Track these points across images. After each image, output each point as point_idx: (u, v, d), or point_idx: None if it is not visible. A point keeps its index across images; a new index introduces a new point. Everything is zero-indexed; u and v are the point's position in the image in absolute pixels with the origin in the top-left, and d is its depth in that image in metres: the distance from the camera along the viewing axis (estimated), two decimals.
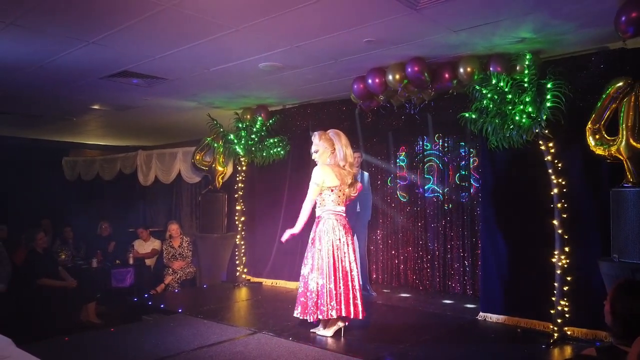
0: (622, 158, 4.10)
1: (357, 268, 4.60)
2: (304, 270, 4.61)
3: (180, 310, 5.53)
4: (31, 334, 4.72)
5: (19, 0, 3.57)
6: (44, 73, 5.35)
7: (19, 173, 9.83)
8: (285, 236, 4.68)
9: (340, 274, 4.44)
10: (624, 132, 4.07)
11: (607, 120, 4.20)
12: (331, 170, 4.54)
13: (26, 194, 9.53)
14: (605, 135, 4.18)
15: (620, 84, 4.08)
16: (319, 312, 4.42)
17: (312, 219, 4.70)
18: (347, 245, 4.54)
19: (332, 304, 4.37)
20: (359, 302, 4.47)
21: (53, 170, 10.78)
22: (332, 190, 4.55)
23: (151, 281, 7.61)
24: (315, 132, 4.72)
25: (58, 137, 10.32)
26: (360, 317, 4.49)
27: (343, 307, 4.38)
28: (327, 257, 4.46)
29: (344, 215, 4.65)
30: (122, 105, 7.09)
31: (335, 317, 4.41)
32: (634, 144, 4.04)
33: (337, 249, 4.48)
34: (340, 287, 4.41)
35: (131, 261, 7.62)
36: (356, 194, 4.76)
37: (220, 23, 4.02)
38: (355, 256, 4.62)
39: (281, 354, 4.07)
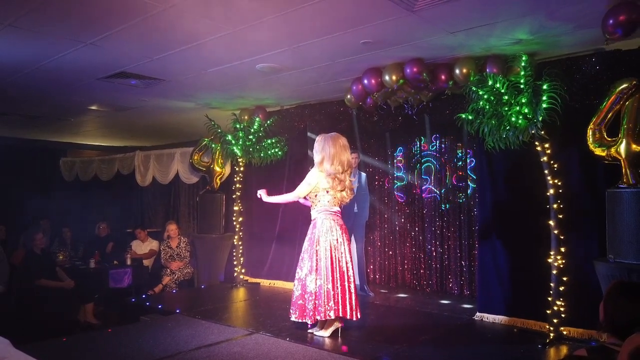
0: (620, 159, 4.12)
1: (353, 267, 4.61)
2: (301, 273, 4.60)
3: (178, 311, 5.54)
4: (29, 334, 4.72)
5: (17, 2, 3.58)
6: (41, 74, 5.36)
7: (17, 173, 9.83)
8: (261, 193, 4.87)
9: (338, 275, 4.46)
10: (624, 134, 4.08)
11: (610, 120, 4.21)
12: (320, 172, 4.56)
13: (24, 194, 9.52)
14: (606, 136, 4.20)
15: (625, 85, 4.08)
16: (316, 313, 4.44)
17: (308, 219, 4.73)
18: (344, 245, 4.55)
19: (330, 304, 4.39)
20: (354, 303, 4.48)
21: (51, 170, 10.78)
22: (327, 192, 4.56)
23: (149, 282, 7.61)
24: (320, 134, 4.72)
25: (56, 137, 10.31)
26: (355, 319, 4.50)
27: (340, 307, 4.40)
28: (324, 257, 4.47)
29: (340, 215, 4.66)
30: (120, 106, 7.10)
31: (333, 317, 4.42)
32: (634, 145, 4.06)
33: (335, 249, 4.50)
34: (337, 288, 4.43)
35: (129, 262, 7.62)
36: (347, 201, 4.76)
37: (217, 24, 4.03)
38: (351, 256, 4.63)
39: (279, 354, 4.08)
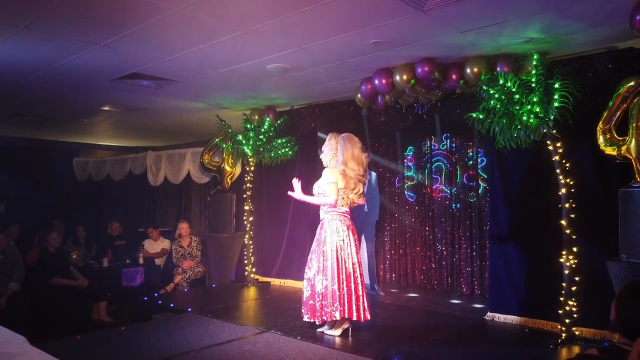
0: (631, 158, 4.08)
1: (360, 269, 4.58)
2: (309, 273, 4.63)
3: (189, 310, 5.59)
4: (43, 332, 4.80)
5: (32, 5, 3.64)
6: (55, 75, 5.43)
7: (30, 173, 9.96)
8: (295, 191, 4.63)
9: (344, 275, 4.47)
10: (634, 132, 4.04)
11: (618, 120, 4.17)
12: (338, 172, 4.58)
13: (38, 194, 9.65)
14: (615, 135, 4.16)
15: (632, 83, 4.05)
16: (323, 313, 4.46)
17: (317, 219, 4.75)
18: (351, 246, 4.55)
19: (335, 305, 4.41)
20: (361, 303, 4.48)
21: (64, 170, 10.91)
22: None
23: (161, 280, 7.68)
24: (330, 134, 4.77)
25: (69, 138, 10.44)
26: (363, 320, 4.50)
27: (346, 308, 4.41)
28: (331, 258, 4.49)
29: (349, 216, 4.66)
30: (132, 106, 7.17)
31: (338, 318, 4.44)
32: None
33: (341, 250, 4.50)
34: (343, 289, 4.44)
35: (141, 260, 7.69)
36: (362, 202, 4.75)
37: (229, 25, 4.06)
38: (359, 257, 4.62)
39: (289, 352, 4.11)
